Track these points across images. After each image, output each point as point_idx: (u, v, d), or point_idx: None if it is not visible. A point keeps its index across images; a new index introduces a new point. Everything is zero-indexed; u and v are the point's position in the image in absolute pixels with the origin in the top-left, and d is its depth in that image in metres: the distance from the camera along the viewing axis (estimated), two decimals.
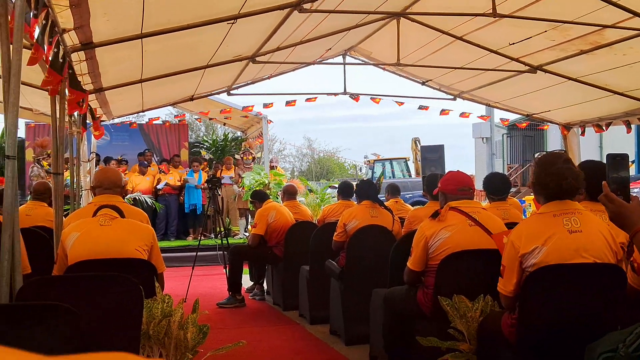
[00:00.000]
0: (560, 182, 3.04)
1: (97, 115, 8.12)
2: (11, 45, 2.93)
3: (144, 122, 16.52)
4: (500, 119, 12.60)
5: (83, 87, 5.63)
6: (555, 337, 3.01)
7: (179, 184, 13.47)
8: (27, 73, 4.27)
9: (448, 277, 3.87)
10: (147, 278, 3.42)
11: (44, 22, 3.38)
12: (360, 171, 31.06)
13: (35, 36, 3.27)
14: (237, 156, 15.15)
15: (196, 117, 15.33)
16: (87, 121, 7.22)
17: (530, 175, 3.31)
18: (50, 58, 3.67)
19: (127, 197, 11.29)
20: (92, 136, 8.87)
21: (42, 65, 4.50)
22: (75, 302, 2.55)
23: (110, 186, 4.18)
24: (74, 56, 5.04)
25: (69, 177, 8.76)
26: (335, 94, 9.71)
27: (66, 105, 4.81)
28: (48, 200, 6.06)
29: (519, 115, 11.27)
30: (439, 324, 3.75)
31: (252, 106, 12.12)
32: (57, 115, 4.63)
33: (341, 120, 73.12)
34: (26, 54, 3.14)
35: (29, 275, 3.43)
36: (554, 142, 24.63)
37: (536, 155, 5.64)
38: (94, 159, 9.62)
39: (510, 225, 4.16)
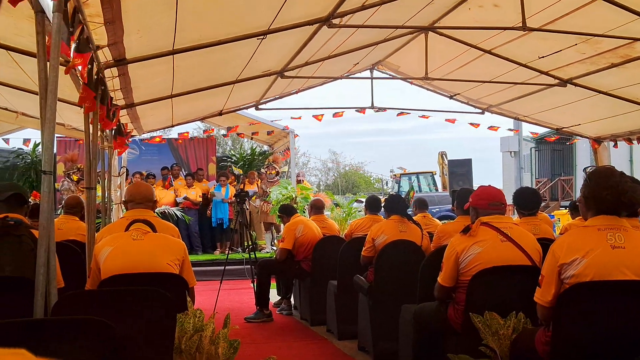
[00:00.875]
0: (618, 196, 3.00)
1: (128, 131, 8.22)
2: (48, 63, 2.98)
3: (172, 136, 16.69)
4: (530, 132, 12.49)
5: (115, 102, 5.71)
6: (592, 357, 2.95)
7: (199, 199, 13.55)
8: (60, 88, 4.34)
9: (479, 294, 3.82)
10: (179, 292, 3.43)
11: (77, 40, 3.44)
12: (387, 185, 30.94)
13: (71, 54, 3.33)
14: (262, 170, 15.22)
15: (223, 132, 15.42)
16: (118, 135, 7.31)
17: (581, 188, 3.26)
18: (85, 75, 3.73)
19: (155, 210, 11.38)
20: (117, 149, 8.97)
21: (75, 80, 4.58)
22: (109, 316, 2.56)
23: (142, 200, 4.22)
24: (107, 72, 5.12)
25: (100, 192, 8.87)
26: (363, 109, 9.72)
27: (99, 122, 4.87)
28: (79, 214, 6.13)
29: (548, 129, 11.18)
30: (470, 341, 3.70)
31: (280, 120, 12.18)
32: (90, 131, 4.69)
33: (366, 134, 73.18)
34: (62, 71, 3.20)
35: (63, 289, 3.47)
36: (583, 156, 24.32)
37: (587, 170, 5.53)
38: (124, 173, 9.73)
39: (541, 241, 4.11)
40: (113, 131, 7.04)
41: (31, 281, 2.95)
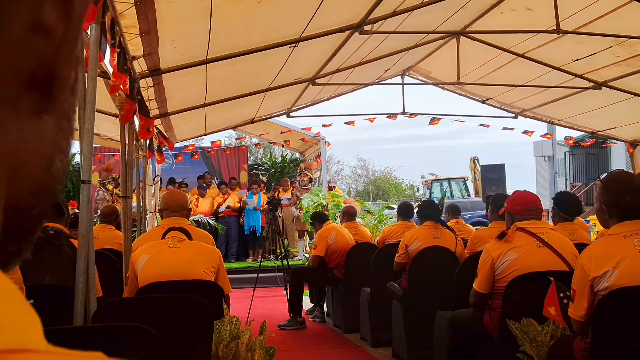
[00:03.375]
0: None
1: (166, 138, 8.31)
2: (86, 74, 3.04)
3: (204, 144, 16.85)
4: (565, 138, 12.32)
5: (150, 112, 5.79)
6: None
7: (238, 205, 13.65)
8: (97, 99, 4.43)
9: (516, 300, 3.78)
10: (215, 300, 3.46)
11: (118, 60, 3.51)
12: (418, 191, 30.78)
13: (110, 65, 3.39)
14: (296, 177, 15.26)
15: (255, 141, 15.52)
16: (153, 145, 7.40)
17: (598, 196, 3.21)
18: (127, 86, 3.79)
19: (189, 219, 11.48)
20: (156, 160, 9.09)
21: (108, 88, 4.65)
22: (147, 323, 2.59)
23: (178, 209, 4.26)
24: (142, 82, 5.20)
25: (135, 201, 8.99)
26: (395, 115, 9.70)
27: (137, 132, 4.95)
28: (115, 222, 6.22)
29: (583, 133, 11.02)
30: (507, 348, 3.66)
31: (310, 128, 12.21)
32: (127, 141, 4.76)
33: (397, 140, 72.93)
34: (99, 82, 3.26)
35: (101, 298, 3.52)
36: (618, 160, 23.89)
37: (601, 177, 5.41)
38: (158, 182, 9.84)
39: (578, 247, 4.05)
40: (148, 141, 7.13)
41: (71, 289, 3.00)
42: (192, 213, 12.60)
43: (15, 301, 0.33)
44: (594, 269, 2.97)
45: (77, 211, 3.22)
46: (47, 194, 0.39)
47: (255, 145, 20.97)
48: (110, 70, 3.95)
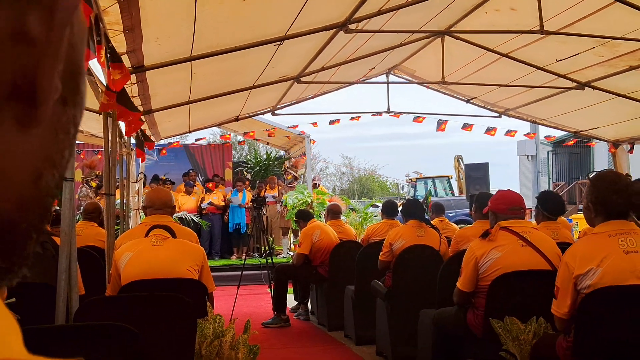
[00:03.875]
0: (628, 198, 2.97)
1: (149, 136, 8.27)
2: None
3: (188, 142, 16.77)
4: (546, 136, 12.42)
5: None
6: None
7: (222, 203, 13.62)
8: None
9: (499, 298, 3.81)
10: (199, 298, 3.45)
11: (108, 51, 3.47)
12: (402, 189, 30.85)
13: (98, 62, 3.36)
14: (282, 174, 15.25)
15: (240, 138, 15.47)
16: (133, 142, 7.35)
17: (586, 194, 3.24)
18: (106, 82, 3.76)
19: (173, 216, 11.44)
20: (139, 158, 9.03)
21: (93, 87, 4.61)
22: (130, 322, 2.58)
23: (162, 206, 4.24)
24: None
25: (118, 198, 8.93)
26: (380, 113, 9.72)
27: (122, 128, 4.91)
28: (98, 220, 6.18)
29: (566, 132, 11.10)
30: (490, 346, 3.68)
31: (297, 125, 12.19)
32: (110, 138, 4.73)
33: (382, 138, 73.13)
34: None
35: (83, 296, 3.50)
36: (601, 159, 24.12)
37: (590, 176, 5.45)
38: (142, 179, 9.79)
39: (561, 246, 4.08)
40: (131, 138, 7.09)
41: (53, 287, 2.97)
42: (177, 210, 12.54)
43: None
44: (578, 266, 2.99)
45: (59, 208, 3.20)
46: (35, 208, 0.38)
47: (239, 142, 20.92)
48: (97, 67, 3.92)
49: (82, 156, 13.80)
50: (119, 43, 4.25)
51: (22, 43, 0.34)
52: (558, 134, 12.25)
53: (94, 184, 12.70)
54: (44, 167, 0.38)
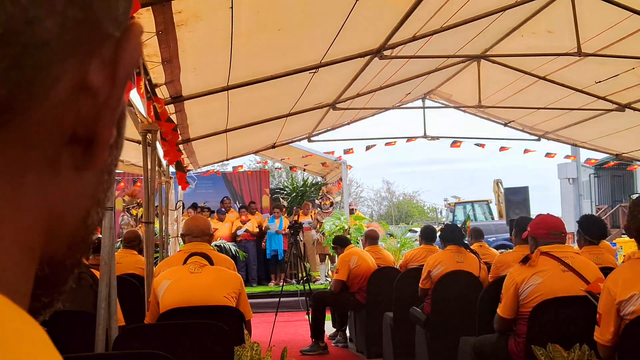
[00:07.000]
0: None
1: (185, 165, 8.39)
2: None
3: (227, 170, 16.95)
4: (587, 159, 12.20)
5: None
6: None
7: (257, 230, 13.68)
8: None
9: (541, 325, 3.73)
10: (236, 325, 3.46)
11: (146, 87, 3.55)
12: (441, 214, 30.59)
13: (137, 93, 3.42)
14: (316, 201, 15.25)
15: (277, 165, 15.57)
16: (173, 170, 7.45)
17: (627, 219, 3.16)
18: (152, 113, 3.83)
19: (212, 244, 11.51)
20: (179, 185, 9.15)
21: (133, 118, 4.71)
22: (168, 349, 2.59)
23: (200, 234, 4.28)
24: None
25: (157, 226, 9.04)
26: (415, 138, 9.69)
27: (162, 156, 4.98)
28: (138, 248, 6.25)
29: (607, 155, 10.91)
30: None
31: (333, 152, 12.22)
32: (149, 167, 4.81)
33: (420, 163, 72.74)
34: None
35: (123, 327, 3.52)
36: None
37: (633, 197, 5.31)
38: (180, 207, 9.90)
39: (604, 271, 3.98)
40: (174, 166, 7.19)
41: (91, 315, 3.01)
42: (213, 238, 12.61)
43: (46, 351, 0.33)
44: (621, 292, 2.91)
45: (100, 236, 3.25)
46: (81, 246, 0.40)
47: (277, 168, 21.06)
48: (137, 98, 4.00)
49: (122, 185, 14.04)
50: (158, 74, 4.35)
51: (85, 94, 0.35)
52: (599, 156, 12.04)
53: (135, 212, 12.88)
54: (91, 207, 0.39)
